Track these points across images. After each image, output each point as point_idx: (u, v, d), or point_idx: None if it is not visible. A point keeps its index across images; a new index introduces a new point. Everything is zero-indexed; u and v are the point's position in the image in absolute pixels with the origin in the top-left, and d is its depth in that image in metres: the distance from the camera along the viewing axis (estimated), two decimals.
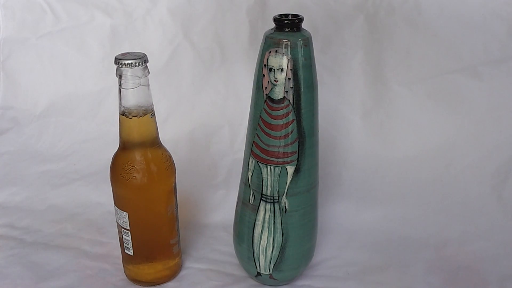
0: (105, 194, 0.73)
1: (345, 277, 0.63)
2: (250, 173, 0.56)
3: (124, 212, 0.56)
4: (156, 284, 0.61)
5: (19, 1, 0.88)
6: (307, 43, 0.50)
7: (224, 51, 0.82)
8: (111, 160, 0.56)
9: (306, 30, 0.51)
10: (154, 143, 0.55)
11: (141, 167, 0.54)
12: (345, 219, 0.73)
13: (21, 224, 0.72)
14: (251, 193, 0.56)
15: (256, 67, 0.52)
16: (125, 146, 0.54)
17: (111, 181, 0.56)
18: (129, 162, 0.54)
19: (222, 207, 0.74)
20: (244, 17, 0.80)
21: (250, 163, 0.55)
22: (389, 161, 0.79)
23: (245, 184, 0.57)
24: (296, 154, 0.53)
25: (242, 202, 0.58)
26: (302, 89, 0.51)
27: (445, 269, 0.64)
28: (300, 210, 0.56)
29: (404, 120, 0.79)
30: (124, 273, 0.62)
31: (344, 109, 0.80)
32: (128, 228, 0.57)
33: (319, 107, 0.54)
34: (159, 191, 0.56)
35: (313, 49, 0.51)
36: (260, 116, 0.52)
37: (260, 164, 0.54)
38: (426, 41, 0.75)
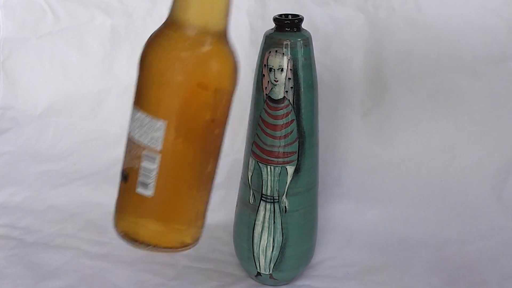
0: (105, 194, 0.73)
1: (345, 277, 0.63)
2: (250, 173, 0.55)
3: (161, 122, 0.40)
4: (164, 250, 0.46)
5: (19, 1, 0.88)
6: (307, 43, 0.50)
7: None
8: (148, 41, 0.45)
9: (306, 30, 0.51)
10: (222, 34, 0.42)
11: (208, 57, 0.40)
12: (345, 219, 0.73)
13: (21, 224, 0.72)
14: (251, 193, 0.56)
15: (256, 67, 0.52)
16: (180, 25, 0.42)
17: (148, 68, 0.42)
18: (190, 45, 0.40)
19: (222, 207, 0.74)
20: (244, 17, 0.80)
21: (250, 163, 0.55)
22: (389, 161, 0.78)
23: (245, 184, 0.57)
24: (296, 154, 0.53)
25: (242, 202, 0.58)
26: (302, 89, 0.51)
27: (445, 269, 0.64)
28: (300, 210, 0.56)
29: (404, 120, 0.79)
30: (116, 228, 0.44)
31: (344, 109, 0.80)
32: (160, 148, 0.40)
33: (319, 107, 0.54)
34: (224, 96, 0.43)
35: (313, 49, 0.51)
36: (260, 116, 0.52)
37: (260, 164, 0.54)
38: (426, 41, 0.75)
